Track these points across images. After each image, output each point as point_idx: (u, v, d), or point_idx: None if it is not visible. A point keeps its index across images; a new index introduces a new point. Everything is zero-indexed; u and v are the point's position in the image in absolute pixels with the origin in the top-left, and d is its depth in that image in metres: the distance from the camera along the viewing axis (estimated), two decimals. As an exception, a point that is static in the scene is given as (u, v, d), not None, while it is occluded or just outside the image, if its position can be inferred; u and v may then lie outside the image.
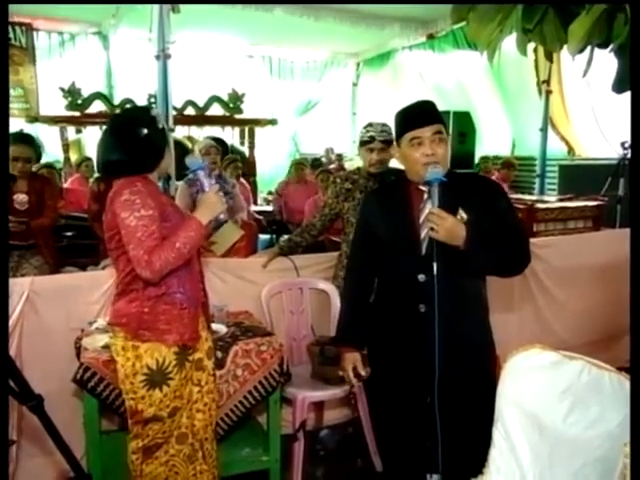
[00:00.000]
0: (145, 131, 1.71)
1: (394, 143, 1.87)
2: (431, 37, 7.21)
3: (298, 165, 6.05)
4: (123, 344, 1.75)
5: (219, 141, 6.20)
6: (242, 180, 5.69)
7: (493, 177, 5.72)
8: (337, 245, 3.76)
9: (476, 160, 6.86)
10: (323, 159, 8.17)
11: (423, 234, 1.75)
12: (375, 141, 2.47)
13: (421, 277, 1.74)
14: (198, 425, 1.88)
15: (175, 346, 1.76)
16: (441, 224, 1.61)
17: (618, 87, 1.52)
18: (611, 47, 1.43)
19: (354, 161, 8.04)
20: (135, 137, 1.71)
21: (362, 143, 2.54)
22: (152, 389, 1.76)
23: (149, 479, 1.84)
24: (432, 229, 1.62)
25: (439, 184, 1.66)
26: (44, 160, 4.54)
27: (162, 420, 1.79)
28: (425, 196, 1.78)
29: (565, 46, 1.57)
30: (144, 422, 1.79)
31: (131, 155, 1.72)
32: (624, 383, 1.35)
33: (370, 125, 2.53)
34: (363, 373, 1.90)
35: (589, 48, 1.50)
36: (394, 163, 2.18)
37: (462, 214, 1.68)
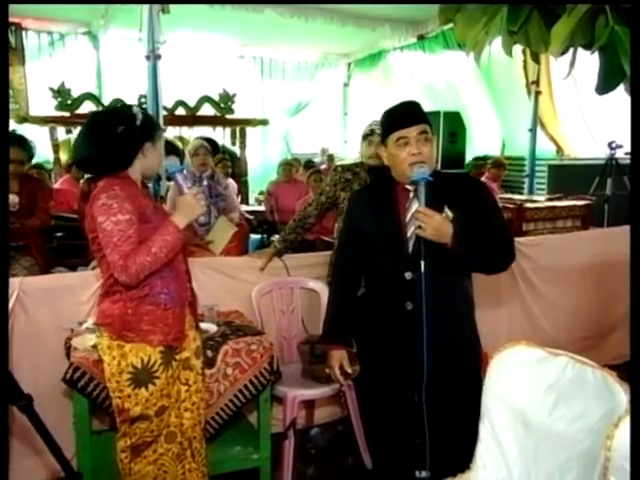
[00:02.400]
0: (121, 128, 1.69)
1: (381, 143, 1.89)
2: (421, 38, 7.25)
3: (286, 165, 6.07)
4: (109, 343, 1.76)
5: (210, 141, 6.21)
6: (230, 180, 5.69)
7: (483, 177, 5.75)
8: (328, 245, 3.79)
9: (467, 160, 6.91)
10: (317, 159, 8.19)
11: (409, 233, 1.77)
12: (374, 134, 2.49)
13: (408, 275, 1.76)
14: (186, 424, 1.88)
15: (160, 346, 1.76)
16: (428, 222, 1.63)
17: (601, 88, 1.55)
18: (593, 49, 1.45)
19: (345, 161, 8.06)
20: (109, 134, 1.69)
21: (363, 137, 2.58)
22: (138, 388, 1.76)
23: (138, 478, 1.83)
24: (419, 227, 1.64)
25: (425, 183, 1.68)
26: (34, 161, 4.51)
27: (149, 419, 1.79)
28: (411, 195, 1.80)
29: (549, 47, 1.59)
30: (131, 421, 1.79)
31: (104, 151, 1.70)
32: (607, 378, 1.37)
33: (374, 121, 2.56)
34: (349, 371, 1.92)
35: (572, 50, 1.53)
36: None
37: (448, 212, 1.71)
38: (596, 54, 1.53)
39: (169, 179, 3.72)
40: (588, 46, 1.51)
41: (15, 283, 2.29)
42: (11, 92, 6.92)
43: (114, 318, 1.75)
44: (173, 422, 1.85)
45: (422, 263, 1.69)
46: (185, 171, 1.81)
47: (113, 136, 1.69)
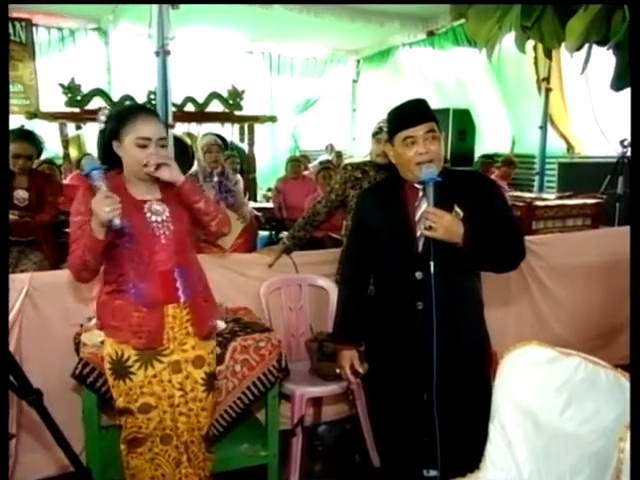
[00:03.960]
0: (101, 127, 1.79)
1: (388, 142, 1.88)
2: (431, 34, 7.19)
3: (294, 162, 6.05)
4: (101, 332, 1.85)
5: (218, 137, 6.21)
6: (238, 176, 5.68)
7: (493, 175, 5.71)
8: (336, 242, 3.78)
9: (476, 157, 6.86)
10: (324, 156, 8.17)
11: (419, 232, 1.75)
12: (382, 132, 2.48)
13: (418, 275, 1.75)
14: (182, 428, 1.86)
15: (125, 344, 1.76)
16: (439, 222, 1.61)
17: (616, 85, 1.53)
18: (609, 45, 1.43)
19: (354, 158, 8.04)
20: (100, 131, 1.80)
21: (372, 135, 2.57)
22: (117, 379, 1.79)
23: (135, 472, 1.85)
24: (430, 227, 1.62)
25: (434, 183, 1.66)
26: (44, 156, 4.53)
27: (133, 414, 1.79)
28: (420, 194, 1.78)
29: (563, 43, 1.57)
30: (119, 412, 1.82)
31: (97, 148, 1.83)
32: (619, 379, 1.36)
33: (383, 119, 2.55)
34: (360, 370, 1.91)
35: (587, 45, 1.51)
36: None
37: (457, 211, 1.69)
38: (610, 51, 1.51)
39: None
40: (603, 42, 1.49)
41: (24, 279, 2.30)
42: (21, 88, 6.96)
43: (97, 308, 1.84)
44: (169, 425, 1.84)
45: (432, 263, 1.68)
46: (101, 171, 1.65)
47: (101, 133, 1.81)
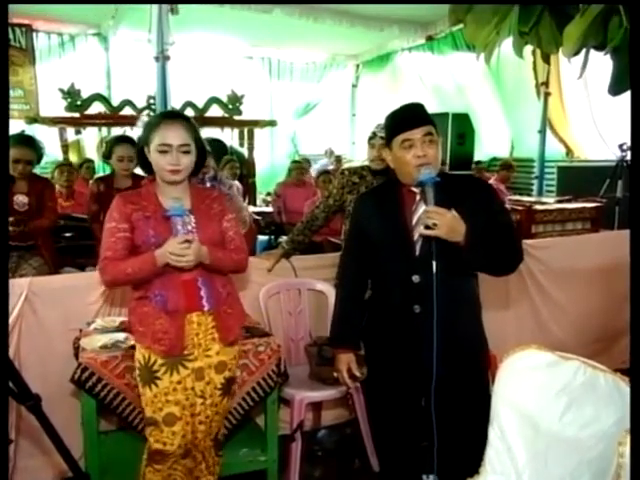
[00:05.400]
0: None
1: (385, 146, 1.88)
2: (430, 39, 7.22)
3: (299, 169, 6.01)
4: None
5: (218, 142, 6.22)
6: (235, 182, 5.68)
7: (492, 179, 5.72)
8: (335, 246, 3.78)
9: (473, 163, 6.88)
10: (323, 160, 8.18)
11: (416, 236, 1.76)
12: (376, 137, 2.48)
13: (415, 278, 1.75)
14: (200, 437, 1.88)
15: (149, 350, 1.80)
16: (441, 220, 1.61)
17: (614, 89, 1.53)
18: (606, 50, 1.44)
19: (353, 163, 8.05)
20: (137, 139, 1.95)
21: (367, 140, 2.58)
22: (144, 386, 1.80)
23: None
24: (434, 225, 1.61)
25: (432, 184, 1.66)
26: (44, 161, 4.54)
27: (158, 425, 1.80)
28: (417, 197, 1.79)
29: (561, 48, 1.58)
30: (146, 423, 1.84)
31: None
32: (619, 384, 1.36)
33: (378, 124, 2.55)
34: (358, 374, 1.91)
35: (584, 50, 1.51)
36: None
37: (455, 214, 1.69)
38: (608, 55, 1.51)
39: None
40: (601, 47, 1.49)
41: (24, 284, 2.30)
42: (22, 93, 6.98)
43: (128, 314, 1.90)
44: (189, 439, 1.85)
45: (434, 264, 1.68)
46: (183, 218, 1.73)
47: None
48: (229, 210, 1.93)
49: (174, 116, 1.83)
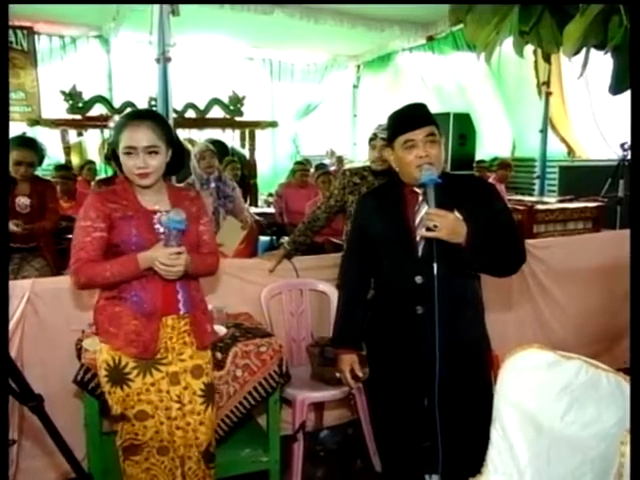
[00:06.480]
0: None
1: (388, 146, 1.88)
2: (431, 39, 7.23)
3: (302, 170, 5.98)
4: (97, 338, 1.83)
5: (219, 143, 6.22)
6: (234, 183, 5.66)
7: (490, 179, 5.71)
8: (337, 247, 3.78)
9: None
10: (326, 161, 8.18)
11: (419, 236, 1.75)
12: (377, 138, 2.49)
13: (418, 279, 1.75)
14: (178, 442, 1.83)
15: (119, 352, 1.76)
16: (442, 222, 1.61)
17: (614, 89, 1.53)
18: (606, 49, 1.44)
19: (354, 163, 8.05)
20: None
21: (368, 141, 2.58)
22: (114, 386, 1.77)
23: None
24: (435, 227, 1.61)
25: (434, 185, 1.66)
26: (46, 163, 4.54)
27: (130, 421, 1.78)
28: (420, 198, 1.78)
29: (562, 48, 1.58)
30: (115, 419, 1.81)
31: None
32: (621, 383, 1.35)
33: (379, 125, 2.55)
34: (360, 374, 1.91)
35: (585, 50, 1.52)
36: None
37: (457, 214, 1.69)
38: (609, 54, 1.51)
39: (179, 181, 3.73)
40: (601, 46, 1.49)
41: (26, 285, 2.30)
42: (23, 95, 6.99)
43: (95, 313, 1.82)
44: (166, 437, 1.82)
45: (435, 266, 1.68)
46: (179, 232, 1.67)
47: None
48: (204, 212, 1.91)
49: (141, 117, 1.75)
